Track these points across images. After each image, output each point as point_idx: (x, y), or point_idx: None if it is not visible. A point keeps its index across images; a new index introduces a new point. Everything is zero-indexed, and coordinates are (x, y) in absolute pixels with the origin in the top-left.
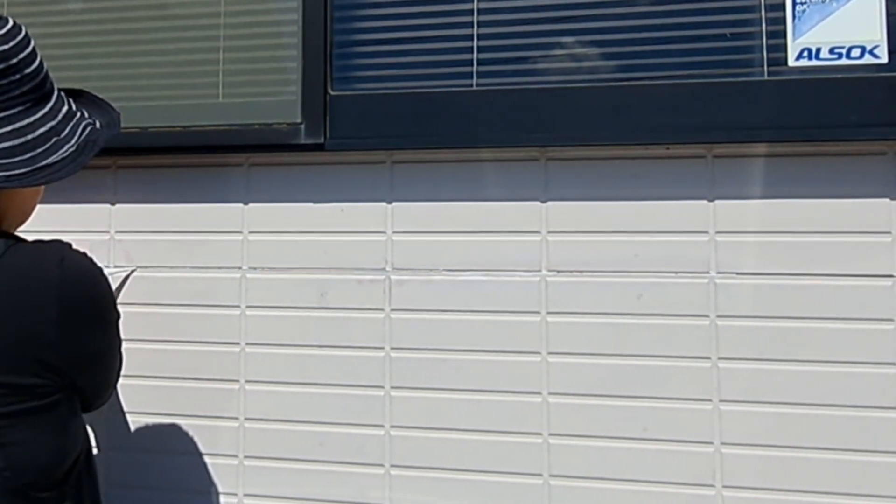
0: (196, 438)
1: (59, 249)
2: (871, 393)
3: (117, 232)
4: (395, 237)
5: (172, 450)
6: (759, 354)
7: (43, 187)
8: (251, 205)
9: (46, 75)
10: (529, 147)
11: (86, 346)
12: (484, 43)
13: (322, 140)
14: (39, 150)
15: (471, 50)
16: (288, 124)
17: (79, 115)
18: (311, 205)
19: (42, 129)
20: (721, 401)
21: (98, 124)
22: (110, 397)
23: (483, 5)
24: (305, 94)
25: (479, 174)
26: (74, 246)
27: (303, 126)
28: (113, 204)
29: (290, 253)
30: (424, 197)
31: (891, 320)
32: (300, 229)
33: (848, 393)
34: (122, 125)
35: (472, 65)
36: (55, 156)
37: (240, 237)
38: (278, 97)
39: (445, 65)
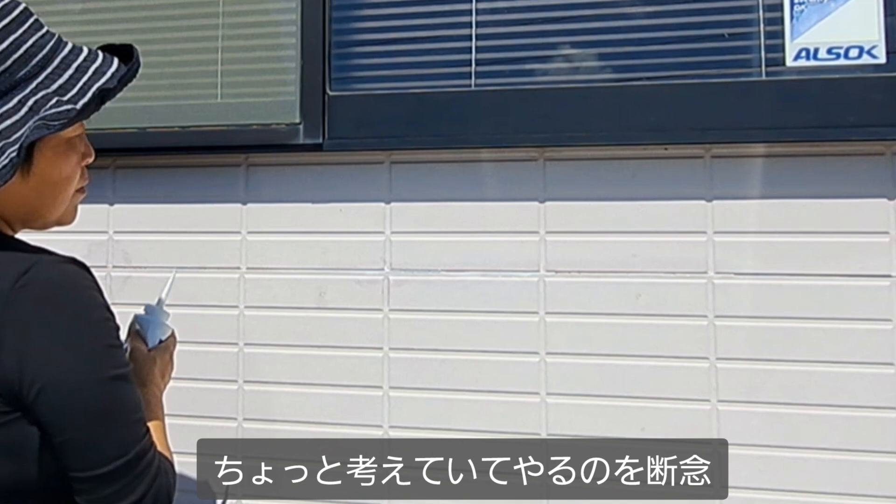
0: (195, 439)
1: (34, 259)
2: (869, 393)
3: (115, 232)
4: (394, 237)
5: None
6: (757, 354)
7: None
8: (250, 205)
9: (18, 61)
10: (528, 147)
11: (38, 367)
12: (482, 43)
13: (321, 140)
14: None
15: (469, 50)
16: (286, 124)
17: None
18: (309, 205)
19: None
20: (719, 401)
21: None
22: (122, 475)
23: (481, 6)
24: (304, 94)
25: (478, 174)
26: (79, 259)
27: (301, 126)
28: (111, 204)
29: (288, 253)
30: (423, 197)
31: (889, 320)
32: (299, 229)
33: (846, 393)
34: (121, 125)
35: (470, 65)
36: None
37: (238, 237)
38: (277, 97)
39: (444, 65)
